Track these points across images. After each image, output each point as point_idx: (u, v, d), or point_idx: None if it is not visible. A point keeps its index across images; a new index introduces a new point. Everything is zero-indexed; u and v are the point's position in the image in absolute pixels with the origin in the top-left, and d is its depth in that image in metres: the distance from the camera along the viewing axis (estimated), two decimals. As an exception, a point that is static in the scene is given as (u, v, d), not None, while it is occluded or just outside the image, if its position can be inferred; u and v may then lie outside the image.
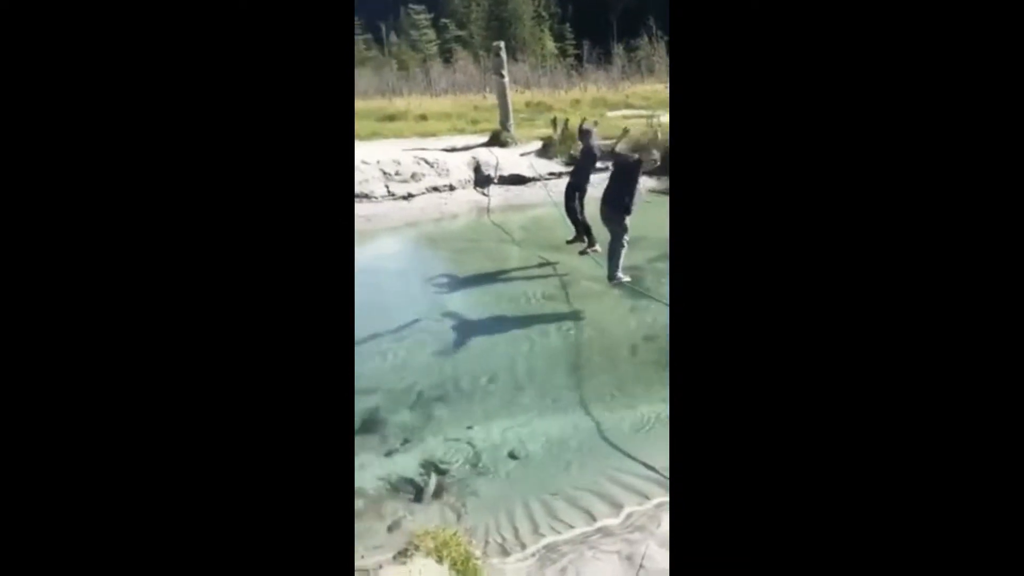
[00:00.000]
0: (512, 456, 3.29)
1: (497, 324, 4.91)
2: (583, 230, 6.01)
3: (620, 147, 4.99)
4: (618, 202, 4.86)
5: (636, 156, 4.95)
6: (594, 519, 2.73)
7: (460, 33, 33.31)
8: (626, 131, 5.69)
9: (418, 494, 2.98)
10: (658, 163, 4.97)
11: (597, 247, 5.84)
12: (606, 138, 7.85)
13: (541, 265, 6.14)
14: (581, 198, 5.96)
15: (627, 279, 5.15)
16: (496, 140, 10.07)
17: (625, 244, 5.01)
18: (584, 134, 6.01)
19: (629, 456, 3.19)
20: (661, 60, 22.14)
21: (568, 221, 6.09)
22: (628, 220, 4.90)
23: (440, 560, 2.02)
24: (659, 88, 17.31)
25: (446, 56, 29.98)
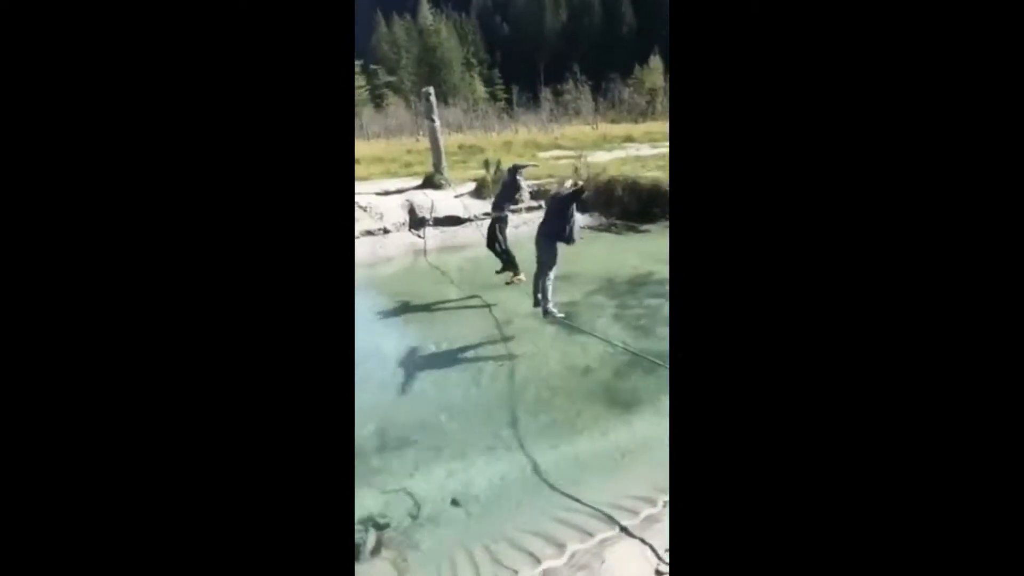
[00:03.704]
0: (454, 503, 3.20)
1: (434, 367, 4.84)
2: (506, 260, 6.27)
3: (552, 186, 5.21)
4: (557, 233, 4.93)
5: (571, 187, 5.10)
6: (538, 561, 2.68)
7: (390, 79, 33.75)
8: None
9: (356, 552, 2.83)
10: (584, 187, 5.18)
11: (522, 276, 6.11)
12: (537, 178, 8.10)
13: (477, 306, 6.15)
14: (502, 230, 6.28)
15: (561, 315, 5.22)
16: (430, 183, 10.14)
17: (551, 277, 5.05)
18: (511, 172, 6.41)
19: (569, 496, 3.18)
20: (586, 103, 23.20)
21: (493, 254, 6.34)
22: (558, 256, 5.00)
23: (377, 623, 1.91)
24: (586, 129, 18.08)
25: (377, 102, 30.22)
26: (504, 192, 6.27)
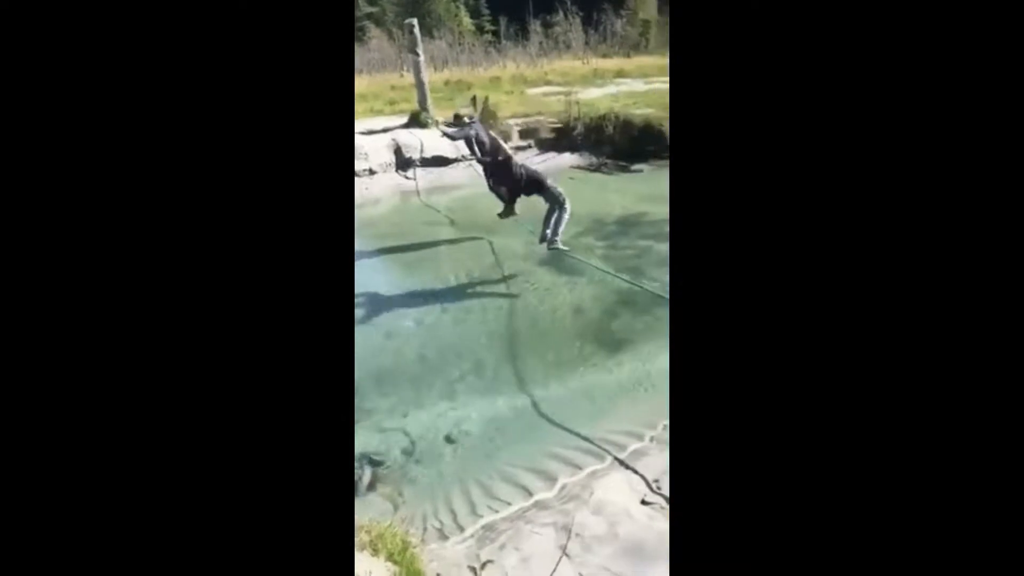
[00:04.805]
0: (448, 440, 3.29)
1: (428, 307, 4.85)
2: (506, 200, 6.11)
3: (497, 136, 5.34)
4: (509, 188, 5.34)
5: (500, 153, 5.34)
6: (530, 494, 2.78)
7: (372, 10, 32.03)
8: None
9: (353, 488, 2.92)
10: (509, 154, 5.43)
11: (516, 212, 5.95)
12: (525, 115, 7.87)
13: (471, 241, 6.10)
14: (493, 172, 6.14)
15: (565, 248, 5.25)
16: (415, 121, 9.82)
17: (566, 211, 5.22)
18: (458, 119, 6.28)
19: (564, 428, 3.27)
20: (577, 36, 22.29)
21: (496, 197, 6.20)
22: (558, 191, 5.21)
23: (375, 553, 1.99)
24: (576, 64, 17.44)
25: (358, 35, 28.82)
26: (472, 147, 6.09)
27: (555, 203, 5.22)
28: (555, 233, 5.20)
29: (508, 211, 6.06)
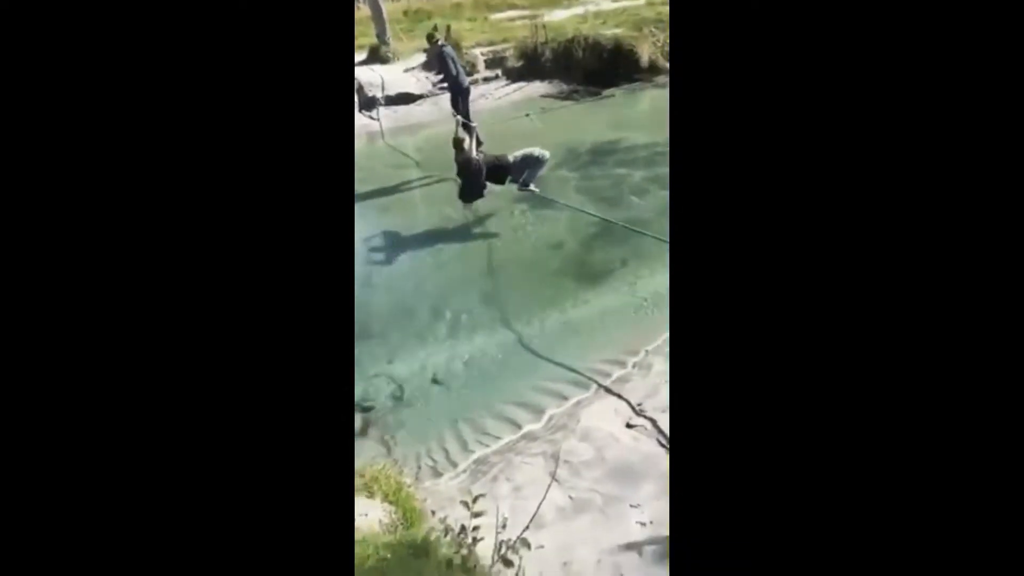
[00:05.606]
0: (436, 382, 3.33)
1: (405, 251, 4.80)
2: (467, 129, 5.96)
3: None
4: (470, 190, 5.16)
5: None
6: (519, 427, 2.85)
7: (318, -65, 29.69)
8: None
9: (345, 435, 2.97)
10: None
11: (483, 148, 5.83)
12: (490, 43, 7.52)
13: (443, 182, 5.96)
14: (464, 100, 6.23)
15: (536, 190, 5.18)
16: (375, 56, 9.34)
17: (543, 162, 5.16)
18: (432, 45, 6.49)
19: (549, 360, 3.32)
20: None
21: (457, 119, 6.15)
22: (520, 153, 5.14)
23: (371, 495, 2.05)
24: (541, -16, 16.51)
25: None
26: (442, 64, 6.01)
27: (527, 163, 5.12)
28: (530, 179, 5.12)
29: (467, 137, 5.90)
